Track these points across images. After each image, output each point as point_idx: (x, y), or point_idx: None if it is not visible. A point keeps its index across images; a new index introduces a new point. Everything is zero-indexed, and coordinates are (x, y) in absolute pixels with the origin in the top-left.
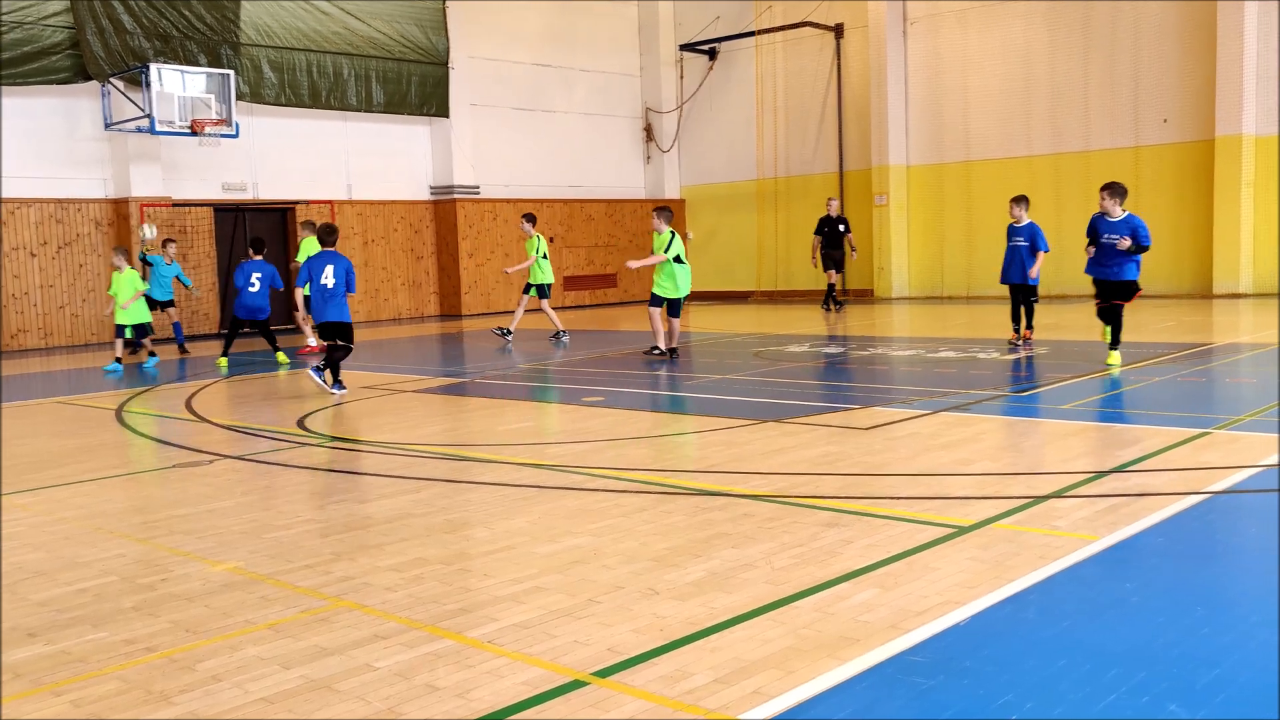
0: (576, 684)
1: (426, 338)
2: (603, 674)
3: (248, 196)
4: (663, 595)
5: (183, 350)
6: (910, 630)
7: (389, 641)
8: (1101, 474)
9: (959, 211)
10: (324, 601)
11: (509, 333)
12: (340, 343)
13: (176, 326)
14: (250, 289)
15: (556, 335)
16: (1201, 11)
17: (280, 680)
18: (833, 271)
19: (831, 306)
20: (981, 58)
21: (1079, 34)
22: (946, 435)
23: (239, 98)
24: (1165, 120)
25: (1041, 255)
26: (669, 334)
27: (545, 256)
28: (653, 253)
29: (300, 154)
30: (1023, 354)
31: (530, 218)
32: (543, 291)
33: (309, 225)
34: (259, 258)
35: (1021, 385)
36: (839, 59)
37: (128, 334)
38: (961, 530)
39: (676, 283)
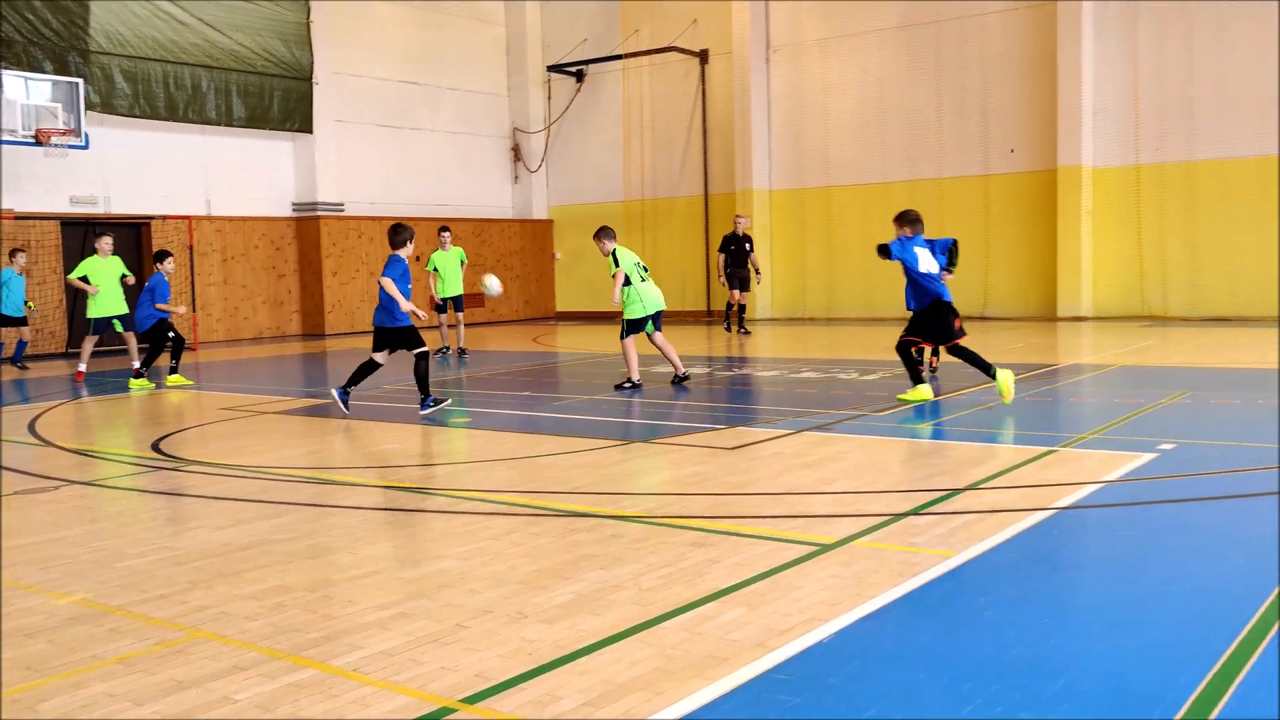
0: (444, 711)
1: (288, 357)
2: (471, 700)
3: (99, 210)
4: (531, 619)
5: (21, 367)
6: (776, 648)
7: (249, 672)
8: (956, 491)
9: (820, 235)
10: (180, 632)
11: (451, 351)
12: (382, 355)
13: (20, 344)
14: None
15: (445, 350)
16: (1042, 46)
17: (131, 718)
18: (737, 291)
19: (734, 328)
20: (841, 86)
21: (932, 66)
22: (809, 454)
23: (89, 107)
24: (1012, 150)
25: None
26: (665, 358)
27: (453, 267)
28: (613, 279)
29: (156, 167)
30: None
31: (445, 228)
32: (458, 305)
33: (104, 241)
34: (158, 269)
35: (880, 405)
36: (704, 84)
37: None
38: (824, 548)
39: (642, 300)
